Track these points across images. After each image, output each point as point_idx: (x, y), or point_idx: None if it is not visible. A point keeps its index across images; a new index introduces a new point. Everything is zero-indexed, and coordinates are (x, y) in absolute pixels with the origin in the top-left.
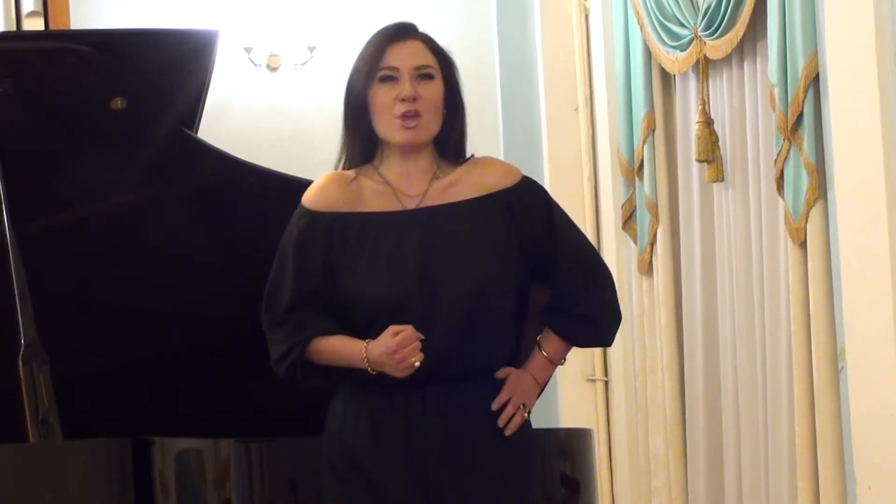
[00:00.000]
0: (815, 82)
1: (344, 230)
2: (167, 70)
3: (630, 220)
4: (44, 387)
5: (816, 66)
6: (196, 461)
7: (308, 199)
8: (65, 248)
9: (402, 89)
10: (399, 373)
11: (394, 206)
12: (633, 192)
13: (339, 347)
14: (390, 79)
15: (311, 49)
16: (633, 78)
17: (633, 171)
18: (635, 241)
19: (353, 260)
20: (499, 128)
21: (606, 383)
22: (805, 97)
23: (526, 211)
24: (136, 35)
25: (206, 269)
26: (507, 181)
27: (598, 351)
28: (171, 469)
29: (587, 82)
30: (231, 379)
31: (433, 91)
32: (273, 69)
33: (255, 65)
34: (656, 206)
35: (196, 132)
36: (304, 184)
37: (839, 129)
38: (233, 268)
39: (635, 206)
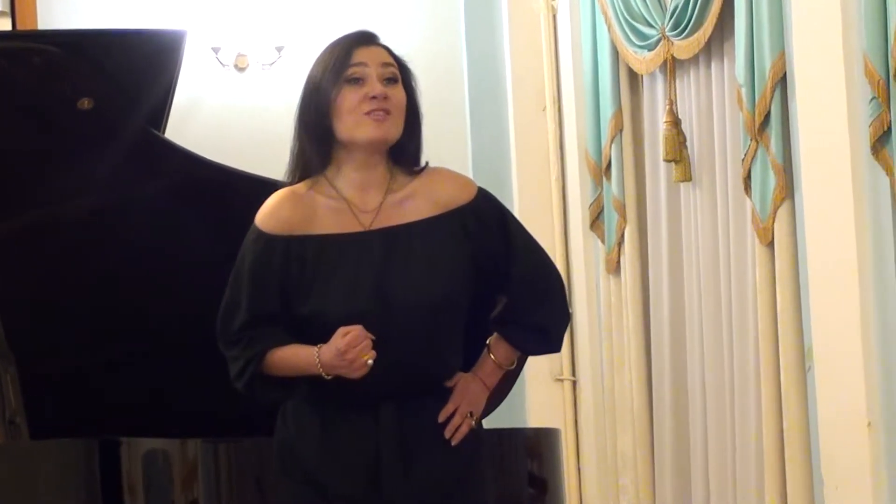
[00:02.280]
0: (782, 82)
1: (301, 253)
2: (135, 70)
3: (598, 219)
4: (10, 387)
5: (783, 67)
6: (163, 461)
7: (262, 221)
8: (32, 248)
9: (372, 88)
10: (353, 373)
11: (349, 224)
12: (601, 192)
13: (293, 356)
14: (357, 80)
15: (279, 49)
16: (600, 78)
17: (600, 170)
18: (603, 241)
19: (309, 281)
20: (466, 128)
21: (574, 383)
22: (772, 97)
23: (482, 228)
24: (104, 35)
25: (175, 268)
26: (462, 197)
27: (566, 350)
28: (139, 469)
29: (555, 82)
30: (201, 378)
31: (399, 93)
32: (241, 69)
33: (223, 65)
34: (624, 206)
35: (163, 132)
36: (271, 183)
37: (806, 129)
38: (201, 267)
39: (603, 206)
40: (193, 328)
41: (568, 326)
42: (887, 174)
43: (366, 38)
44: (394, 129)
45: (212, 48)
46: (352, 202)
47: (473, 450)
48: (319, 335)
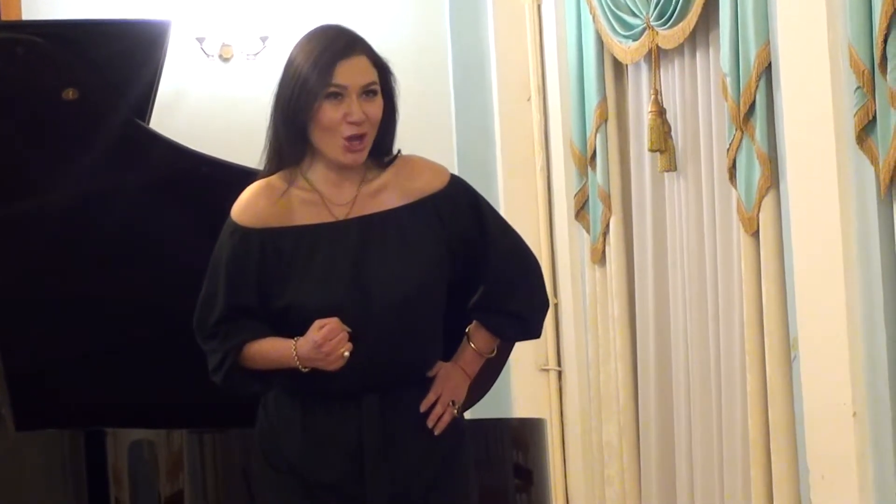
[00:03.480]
0: (767, 72)
1: (277, 245)
2: (119, 60)
3: (583, 209)
4: None
5: (768, 56)
6: (149, 452)
7: (238, 214)
8: (16, 239)
9: (351, 111)
10: (329, 366)
11: (324, 217)
12: (586, 182)
13: (270, 349)
14: (337, 95)
15: (264, 39)
16: (585, 68)
17: (585, 160)
18: (588, 231)
19: (286, 273)
20: (451, 118)
21: (560, 373)
22: (757, 86)
23: (456, 214)
24: (88, 25)
25: (160, 259)
26: (435, 184)
27: (551, 340)
28: (125, 460)
29: (540, 72)
30: (185, 369)
31: (376, 108)
32: (225, 60)
33: (208, 55)
34: (609, 196)
35: (148, 123)
36: (255, 173)
37: (791, 118)
38: (185, 257)
39: (588, 196)
40: (179, 319)
41: (548, 311)
42: (872, 164)
43: (349, 49)
44: (367, 152)
45: (196, 38)
46: (326, 196)
47: (456, 439)
48: (297, 327)
